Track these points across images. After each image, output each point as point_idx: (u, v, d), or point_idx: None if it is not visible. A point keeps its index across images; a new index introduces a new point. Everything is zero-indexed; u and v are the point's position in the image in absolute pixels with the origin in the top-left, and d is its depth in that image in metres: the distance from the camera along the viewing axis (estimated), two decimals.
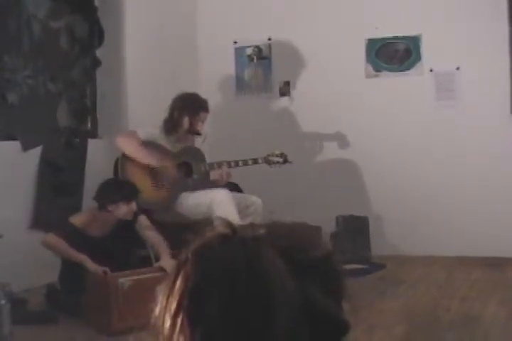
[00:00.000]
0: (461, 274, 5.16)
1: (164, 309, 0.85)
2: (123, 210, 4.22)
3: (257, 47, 6.35)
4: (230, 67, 6.41)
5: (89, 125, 5.70)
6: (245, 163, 5.06)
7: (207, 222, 4.29)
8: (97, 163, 5.09)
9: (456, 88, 5.80)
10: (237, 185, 5.35)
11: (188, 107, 4.94)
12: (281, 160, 5.13)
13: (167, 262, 3.97)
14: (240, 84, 6.43)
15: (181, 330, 0.82)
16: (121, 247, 4.26)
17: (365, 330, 3.65)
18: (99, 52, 5.63)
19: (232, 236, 0.86)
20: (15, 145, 4.77)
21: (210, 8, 6.42)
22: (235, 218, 4.38)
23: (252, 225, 0.90)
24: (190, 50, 6.37)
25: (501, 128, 5.67)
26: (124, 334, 3.47)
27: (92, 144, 5.33)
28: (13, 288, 3.92)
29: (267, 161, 5.12)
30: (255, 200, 4.92)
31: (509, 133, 5.66)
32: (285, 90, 6.29)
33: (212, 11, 6.42)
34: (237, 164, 5.03)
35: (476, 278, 4.98)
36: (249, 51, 6.38)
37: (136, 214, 4.31)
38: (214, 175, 5.04)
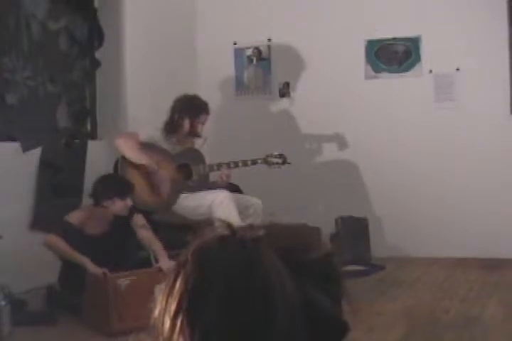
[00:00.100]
0: (460, 275, 5.16)
1: (164, 310, 0.85)
2: (118, 206, 4.24)
3: (257, 48, 6.35)
4: (229, 68, 6.41)
5: (88, 126, 5.70)
6: (245, 163, 5.06)
7: (207, 223, 4.29)
8: (97, 164, 5.09)
9: (456, 89, 5.80)
10: (237, 186, 5.35)
11: (189, 109, 4.94)
12: (280, 161, 5.13)
13: (166, 263, 3.97)
14: (240, 86, 6.43)
15: (181, 331, 0.82)
16: (119, 246, 4.26)
17: (364, 331, 3.65)
18: (98, 54, 5.63)
19: (232, 238, 0.86)
20: (14, 146, 4.77)
21: (210, 10, 6.42)
22: (235, 219, 4.39)
23: (251, 226, 0.90)
24: (189, 51, 6.38)
25: (501, 130, 5.68)
26: (124, 335, 3.46)
27: (92, 145, 5.33)
28: (12, 289, 3.92)
29: (267, 162, 5.12)
30: (255, 201, 4.93)
31: (509, 134, 5.66)
32: (285, 91, 6.29)
33: (212, 12, 6.42)
34: (236, 165, 5.03)
35: (476, 280, 4.98)
36: (248, 52, 6.39)
37: (132, 212, 4.33)
38: (214, 176, 5.04)
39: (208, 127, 5.15)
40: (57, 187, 4.95)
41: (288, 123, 6.26)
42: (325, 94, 6.11)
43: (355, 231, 5.78)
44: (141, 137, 4.81)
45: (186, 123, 4.94)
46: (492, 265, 5.34)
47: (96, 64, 5.64)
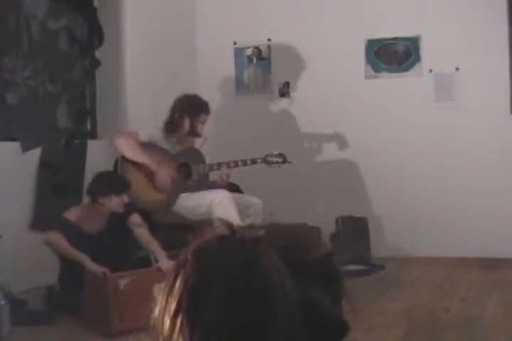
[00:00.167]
0: (460, 275, 5.16)
1: (163, 310, 0.85)
2: (115, 202, 4.25)
3: (257, 48, 6.35)
4: (229, 68, 6.41)
5: (88, 126, 5.70)
6: (244, 163, 5.06)
7: (207, 223, 4.29)
8: (97, 163, 5.09)
9: (456, 89, 5.80)
10: (237, 185, 5.35)
11: (189, 109, 4.94)
12: (280, 160, 5.13)
13: (165, 263, 3.97)
14: (240, 85, 6.43)
15: (180, 331, 0.82)
16: (116, 245, 4.26)
17: (364, 331, 3.65)
18: (98, 53, 5.63)
19: (232, 237, 0.86)
20: (14, 146, 4.77)
21: (210, 9, 6.42)
22: (235, 219, 4.38)
23: (251, 226, 0.90)
24: (189, 50, 6.38)
25: (501, 129, 5.68)
26: (124, 335, 3.46)
27: (92, 145, 5.33)
28: (12, 289, 3.92)
29: (266, 161, 5.11)
30: (255, 201, 4.92)
31: (509, 133, 5.66)
32: (285, 91, 6.29)
33: (212, 12, 6.42)
34: (236, 165, 5.03)
35: (475, 279, 4.98)
36: (248, 52, 6.38)
37: (129, 210, 4.33)
38: (214, 176, 5.04)
39: (207, 127, 5.15)
40: (57, 186, 4.95)
41: (288, 123, 6.26)
42: (325, 93, 6.10)
43: (355, 230, 5.78)
44: (140, 137, 4.81)
45: (186, 123, 4.94)
46: (492, 264, 5.34)
47: (96, 63, 5.64)
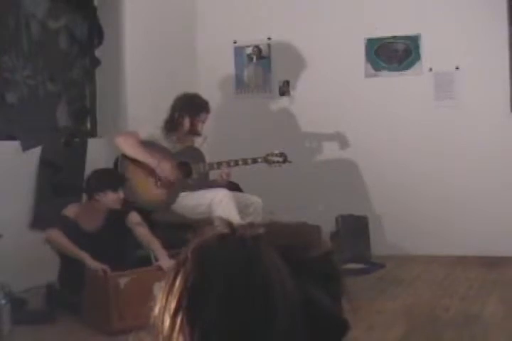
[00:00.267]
0: (460, 273, 5.17)
1: (163, 308, 0.85)
2: (111, 198, 4.27)
3: (257, 46, 6.35)
4: (229, 67, 6.41)
5: (88, 125, 5.70)
6: (245, 162, 5.06)
7: (207, 221, 4.29)
8: (97, 162, 5.09)
9: (456, 88, 5.80)
10: (237, 184, 5.35)
11: (189, 108, 4.94)
12: (281, 159, 5.12)
13: (166, 262, 3.97)
14: (240, 84, 6.43)
15: (180, 330, 0.82)
16: (115, 243, 4.27)
17: (364, 330, 3.65)
18: (98, 52, 5.63)
19: (232, 236, 0.86)
20: (14, 145, 4.77)
21: (210, 8, 6.42)
22: (235, 218, 4.39)
23: (251, 224, 0.90)
24: (189, 49, 6.37)
25: (501, 128, 5.68)
26: (124, 334, 3.46)
27: (92, 144, 5.33)
28: (12, 288, 3.93)
29: (267, 161, 5.11)
30: (255, 200, 4.92)
31: (509, 132, 5.66)
32: (285, 90, 6.29)
33: (212, 11, 6.42)
34: (236, 164, 5.03)
35: (475, 278, 4.98)
36: (248, 51, 6.38)
37: (127, 208, 4.34)
38: (214, 175, 5.04)
39: (207, 126, 5.15)
40: (57, 186, 4.95)
41: (288, 122, 6.26)
42: (325, 92, 6.10)
43: (355, 229, 5.78)
44: (141, 135, 4.81)
45: (186, 122, 4.94)
46: (492, 263, 5.34)
47: (96, 62, 5.63)
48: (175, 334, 0.82)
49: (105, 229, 4.30)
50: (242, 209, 4.74)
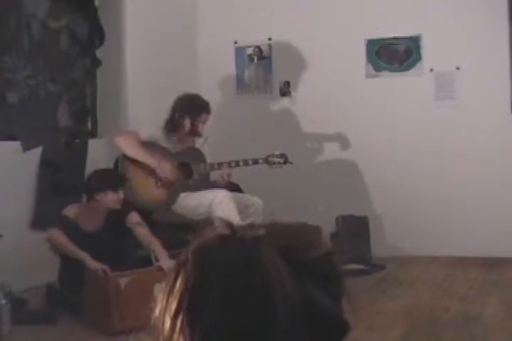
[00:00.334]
0: (460, 274, 5.17)
1: (164, 310, 0.85)
2: (111, 198, 4.26)
3: (258, 47, 6.35)
4: (230, 67, 6.41)
5: (89, 125, 5.70)
6: (246, 163, 5.06)
7: (207, 222, 4.29)
8: (97, 162, 5.09)
9: (456, 88, 5.80)
10: (237, 185, 5.35)
11: (190, 108, 4.94)
12: (281, 160, 5.12)
13: (166, 262, 3.97)
14: (241, 84, 6.43)
15: (181, 331, 0.82)
16: (115, 243, 4.27)
17: (364, 330, 3.65)
18: (99, 52, 5.63)
19: (232, 237, 0.86)
20: (15, 145, 4.77)
21: (211, 8, 6.42)
22: (235, 218, 4.39)
23: (251, 225, 0.90)
24: (190, 49, 6.37)
25: (501, 128, 5.68)
26: (124, 334, 3.46)
27: (92, 144, 5.33)
28: (12, 288, 3.93)
29: (268, 162, 5.11)
30: (256, 201, 4.92)
31: (509, 133, 5.66)
32: (285, 90, 6.29)
33: (213, 11, 6.41)
34: (237, 164, 5.03)
35: (476, 278, 4.98)
36: (249, 51, 6.38)
37: (127, 209, 4.34)
38: (214, 175, 5.04)
39: (208, 126, 5.15)
40: (57, 186, 4.95)
41: (289, 123, 6.26)
42: (326, 93, 6.10)
43: (355, 230, 5.78)
44: (141, 136, 4.81)
45: (187, 123, 4.94)
46: (492, 264, 5.34)
47: (97, 63, 5.64)
48: (175, 336, 0.82)
49: (105, 229, 4.30)
50: (242, 210, 4.74)
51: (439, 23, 5.81)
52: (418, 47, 5.90)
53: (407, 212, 5.87)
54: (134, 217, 4.35)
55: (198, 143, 5.13)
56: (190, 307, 0.82)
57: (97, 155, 5.25)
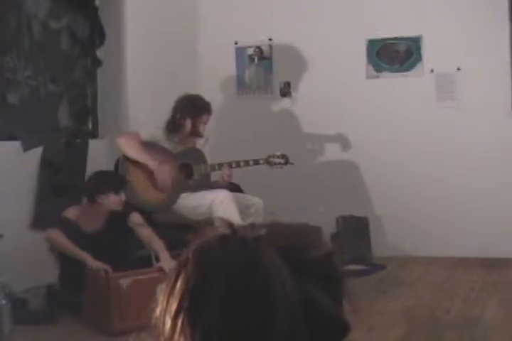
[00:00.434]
0: (461, 275, 5.16)
1: (165, 310, 0.85)
2: (113, 200, 4.25)
3: (258, 47, 6.35)
4: (230, 68, 6.41)
5: (89, 125, 5.70)
6: (246, 163, 5.06)
7: (207, 222, 4.29)
8: (98, 163, 5.09)
9: (457, 89, 5.80)
10: (238, 185, 5.35)
11: (191, 109, 4.94)
12: (282, 161, 5.12)
13: (167, 262, 3.97)
14: (241, 85, 6.43)
15: (182, 331, 0.82)
16: (115, 244, 4.26)
17: (365, 331, 3.65)
18: (99, 53, 5.63)
19: (233, 237, 0.86)
20: (15, 145, 4.77)
21: (211, 9, 6.42)
22: (235, 219, 4.38)
23: (252, 225, 0.90)
24: (190, 50, 6.37)
25: (502, 129, 5.67)
26: (125, 335, 3.46)
27: (93, 144, 5.33)
28: (13, 288, 3.93)
29: (269, 162, 5.11)
30: (256, 201, 4.92)
31: (510, 133, 5.66)
32: (286, 91, 6.29)
33: (213, 12, 6.42)
34: (238, 165, 5.03)
35: (476, 279, 4.98)
36: (250, 51, 6.38)
37: (128, 210, 4.33)
38: (215, 176, 5.04)
39: (209, 126, 5.14)
40: (58, 186, 4.95)
41: (289, 123, 6.26)
42: (326, 93, 6.10)
43: (355, 230, 5.78)
44: (142, 136, 4.81)
45: (188, 123, 4.93)
46: (493, 264, 5.34)
47: (97, 63, 5.64)
48: (176, 336, 0.82)
49: (106, 230, 4.30)
50: (243, 210, 4.74)
51: (440, 23, 5.81)
52: (419, 48, 5.90)
53: (407, 212, 5.87)
54: (136, 218, 4.34)
55: (199, 143, 5.13)
56: (191, 308, 0.82)
57: (98, 156, 5.25)
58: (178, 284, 0.84)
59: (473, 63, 5.74)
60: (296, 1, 6.22)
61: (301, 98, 6.23)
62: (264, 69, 6.37)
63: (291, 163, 5.17)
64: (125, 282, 3.85)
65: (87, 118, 5.69)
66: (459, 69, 5.78)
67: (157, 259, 4.16)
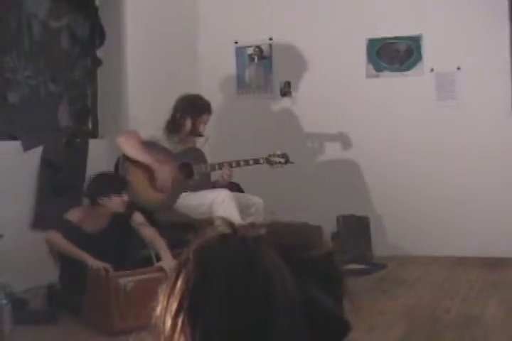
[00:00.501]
0: (461, 274, 5.16)
1: (165, 309, 0.85)
2: (115, 202, 4.23)
3: (258, 47, 6.34)
4: (230, 67, 6.41)
5: (90, 125, 5.70)
6: (247, 163, 5.06)
7: (208, 221, 4.29)
8: (98, 163, 5.09)
9: (457, 88, 5.80)
10: (238, 185, 5.35)
11: (191, 109, 4.93)
12: (282, 160, 5.12)
13: (169, 262, 3.96)
14: (241, 84, 6.43)
15: (182, 330, 0.82)
16: (118, 244, 4.26)
17: (365, 330, 3.65)
18: (99, 52, 5.63)
19: (233, 236, 0.86)
20: (16, 145, 4.77)
21: (211, 8, 6.42)
22: (236, 218, 4.38)
23: (252, 225, 0.90)
24: (190, 49, 6.37)
25: (502, 128, 5.67)
26: (125, 335, 3.46)
27: (93, 144, 5.33)
28: (13, 288, 3.93)
29: (269, 162, 5.11)
30: (256, 200, 4.92)
31: (510, 133, 5.66)
32: (286, 90, 6.29)
33: (213, 11, 6.41)
34: (238, 164, 5.03)
35: (476, 279, 4.98)
36: (250, 51, 6.38)
37: (131, 210, 4.32)
38: (215, 175, 5.04)
39: (209, 126, 5.14)
40: (58, 186, 4.95)
41: (289, 123, 6.26)
42: (326, 93, 6.10)
43: (356, 229, 5.78)
44: (142, 136, 4.80)
45: (188, 123, 4.93)
46: (493, 264, 5.34)
47: (97, 62, 5.63)
48: (176, 335, 0.82)
49: (109, 230, 4.28)
50: (243, 210, 4.73)
51: (440, 23, 5.81)
52: (419, 47, 5.90)
53: (407, 211, 5.87)
54: (138, 218, 4.34)
55: (199, 143, 5.13)
56: (191, 307, 0.82)
57: (98, 155, 5.25)
58: (179, 283, 0.84)
59: (474, 63, 5.74)
60: (296, 0, 6.22)
61: (301, 97, 6.23)
62: (264, 68, 6.37)
63: (292, 163, 5.16)
64: (125, 281, 3.85)
65: (87, 118, 5.69)
66: (459, 68, 5.78)
67: (158, 259, 4.15)
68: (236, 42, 6.36)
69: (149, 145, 4.81)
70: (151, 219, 4.59)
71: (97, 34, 5.60)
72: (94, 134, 5.64)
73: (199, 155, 5.03)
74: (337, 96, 6.07)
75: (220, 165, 4.99)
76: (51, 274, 4.30)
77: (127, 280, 3.86)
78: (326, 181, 6.11)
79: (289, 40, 6.22)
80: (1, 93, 4.91)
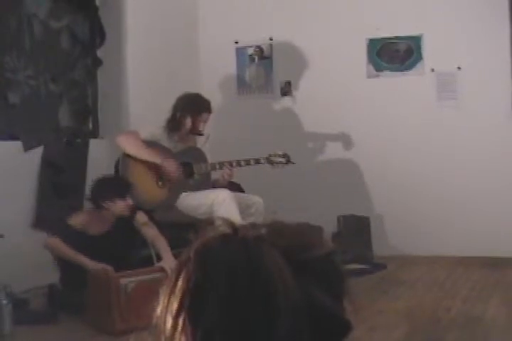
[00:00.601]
0: (462, 274, 5.16)
1: (166, 309, 0.85)
2: (120, 206, 4.21)
3: (259, 47, 6.35)
4: (231, 67, 6.41)
5: (90, 125, 5.70)
6: (247, 163, 5.05)
7: (208, 221, 4.28)
8: (99, 163, 5.09)
9: (458, 88, 5.80)
10: (239, 184, 5.35)
11: (191, 108, 4.94)
12: (283, 160, 5.11)
13: (170, 262, 3.96)
14: (242, 84, 6.43)
15: (183, 330, 0.82)
16: (121, 245, 4.25)
17: (366, 330, 3.64)
18: (100, 52, 5.63)
19: (234, 236, 0.86)
20: (16, 145, 4.77)
21: (212, 8, 6.42)
22: (236, 218, 4.38)
23: (253, 225, 0.90)
24: (191, 49, 6.37)
25: (502, 128, 5.67)
26: (126, 335, 3.46)
27: (94, 144, 5.33)
28: (14, 289, 3.92)
29: (270, 161, 5.10)
30: (257, 200, 4.92)
31: (510, 133, 5.66)
32: (286, 90, 6.29)
33: (214, 11, 6.42)
34: (239, 164, 5.03)
35: (477, 279, 4.98)
36: (250, 51, 6.38)
37: (133, 211, 4.31)
38: (216, 175, 5.04)
39: (209, 126, 5.15)
40: (58, 186, 4.95)
41: (290, 122, 6.26)
42: (327, 93, 6.10)
43: (356, 229, 5.78)
44: (142, 135, 4.81)
45: (188, 122, 4.94)
46: (493, 264, 5.34)
47: (98, 62, 5.63)
48: (177, 335, 0.82)
49: (113, 232, 4.27)
50: (243, 210, 4.73)
51: (440, 22, 5.81)
52: (419, 47, 5.90)
53: (408, 211, 5.87)
54: (141, 217, 4.33)
55: (199, 142, 5.13)
56: (192, 307, 0.82)
57: (98, 155, 5.25)
58: (179, 283, 0.84)
59: (474, 62, 5.74)
60: (297, 0, 6.22)
61: (301, 97, 6.24)
62: (265, 68, 6.37)
63: (293, 163, 5.15)
64: (126, 282, 3.85)
65: (87, 118, 5.69)
66: (459, 68, 5.77)
67: (158, 259, 4.15)
68: (236, 42, 6.36)
69: (149, 144, 4.81)
70: (152, 218, 4.59)
71: (97, 34, 5.60)
72: (94, 134, 5.64)
73: (199, 155, 5.03)
74: (337, 96, 6.07)
75: (221, 165, 4.98)
76: (52, 274, 4.29)
77: (128, 280, 3.86)
78: (327, 181, 6.11)
79: (289, 40, 6.22)
80: (2, 93, 4.91)
